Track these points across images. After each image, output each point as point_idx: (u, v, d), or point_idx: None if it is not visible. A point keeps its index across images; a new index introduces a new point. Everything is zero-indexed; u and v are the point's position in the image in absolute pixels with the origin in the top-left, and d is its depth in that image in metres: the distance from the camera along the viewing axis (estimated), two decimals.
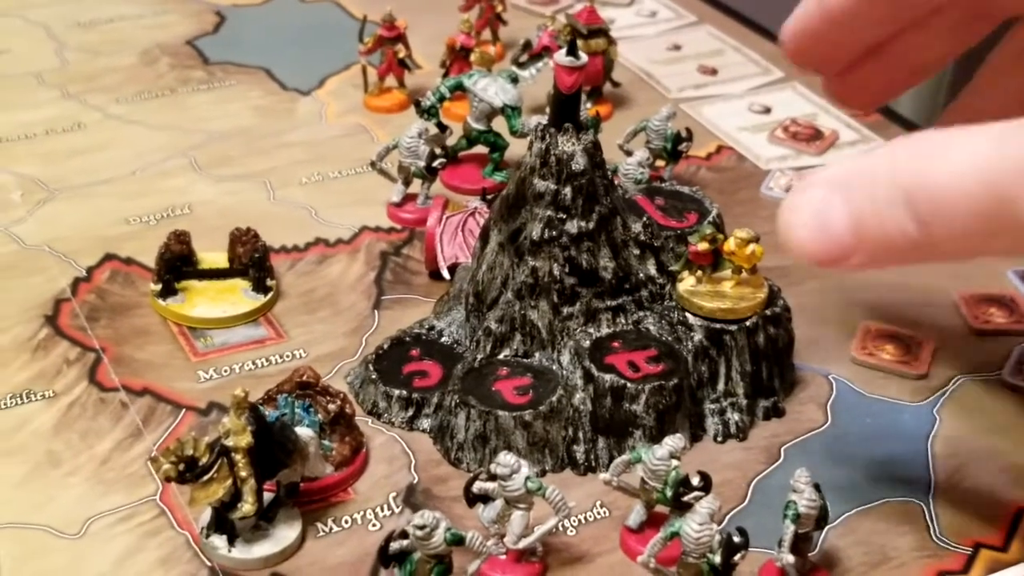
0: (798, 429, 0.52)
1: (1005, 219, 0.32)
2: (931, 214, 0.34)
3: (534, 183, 0.51)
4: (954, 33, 0.47)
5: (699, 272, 0.52)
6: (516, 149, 0.66)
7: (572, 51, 0.51)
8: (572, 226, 0.51)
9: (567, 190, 0.50)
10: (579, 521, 0.47)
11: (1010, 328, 0.59)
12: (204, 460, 0.42)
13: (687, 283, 0.52)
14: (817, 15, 0.46)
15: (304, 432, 0.46)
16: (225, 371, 0.54)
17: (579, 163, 0.50)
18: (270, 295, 0.58)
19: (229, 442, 0.42)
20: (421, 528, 0.40)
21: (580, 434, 0.49)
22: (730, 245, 0.51)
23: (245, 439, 0.42)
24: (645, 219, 0.54)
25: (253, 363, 0.55)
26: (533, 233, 0.51)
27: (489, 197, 0.62)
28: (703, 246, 0.51)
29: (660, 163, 0.67)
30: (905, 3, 0.46)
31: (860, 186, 0.36)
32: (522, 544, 0.43)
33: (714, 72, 0.84)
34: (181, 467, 0.42)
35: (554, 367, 0.51)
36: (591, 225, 0.51)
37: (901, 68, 0.48)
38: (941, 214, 0.33)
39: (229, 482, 0.43)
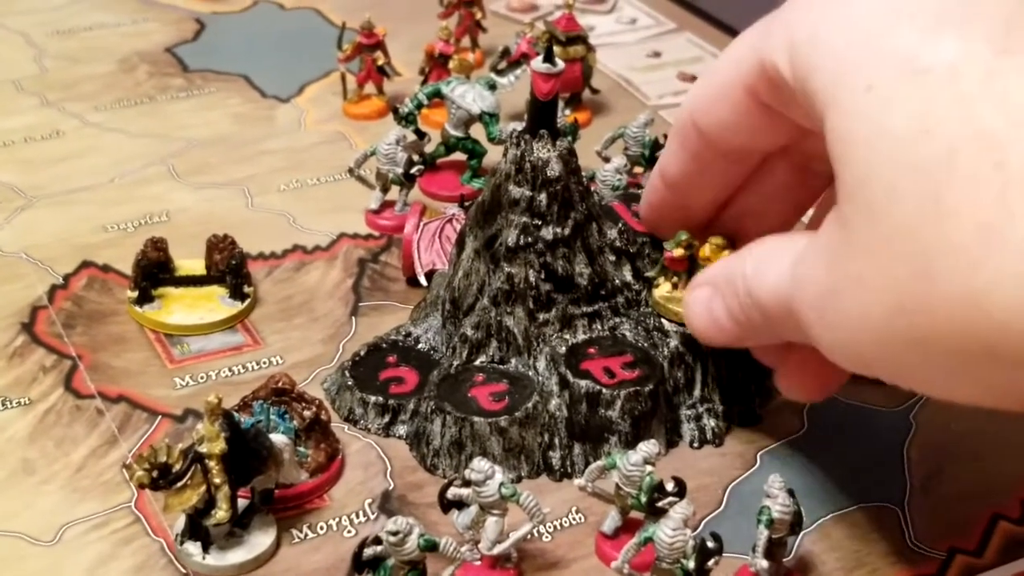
0: (775, 435, 0.52)
1: (793, 324, 0.39)
2: (763, 314, 0.42)
3: (509, 189, 0.51)
4: (791, 192, 0.49)
5: (675, 278, 0.52)
6: (494, 156, 0.66)
7: (549, 58, 0.51)
8: (548, 232, 0.51)
9: (542, 196, 0.51)
10: (554, 527, 0.47)
11: None
12: (178, 467, 0.42)
13: (663, 289, 0.53)
14: (661, 187, 0.51)
15: (279, 439, 0.45)
16: (201, 378, 0.54)
17: (554, 169, 0.50)
18: (247, 302, 0.58)
19: (203, 449, 0.42)
20: (394, 534, 0.40)
21: (556, 440, 0.49)
22: (705, 251, 0.51)
23: (219, 446, 0.42)
24: (621, 225, 0.54)
25: (230, 370, 0.55)
26: (509, 239, 0.51)
27: (467, 204, 0.62)
28: (679, 252, 0.51)
29: (638, 170, 0.67)
30: (733, 161, 0.48)
31: (728, 287, 0.44)
32: (496, 550, 0.43)
33: (693, 79, 0.84)
34: (155, 474, 0.42)
35: (530, 373, 0.51)
36: (567, 231, 0.51)
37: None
38: (769, 315, 0.41)
39: (203, 489, 0.43)
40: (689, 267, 0.52)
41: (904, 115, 0.34)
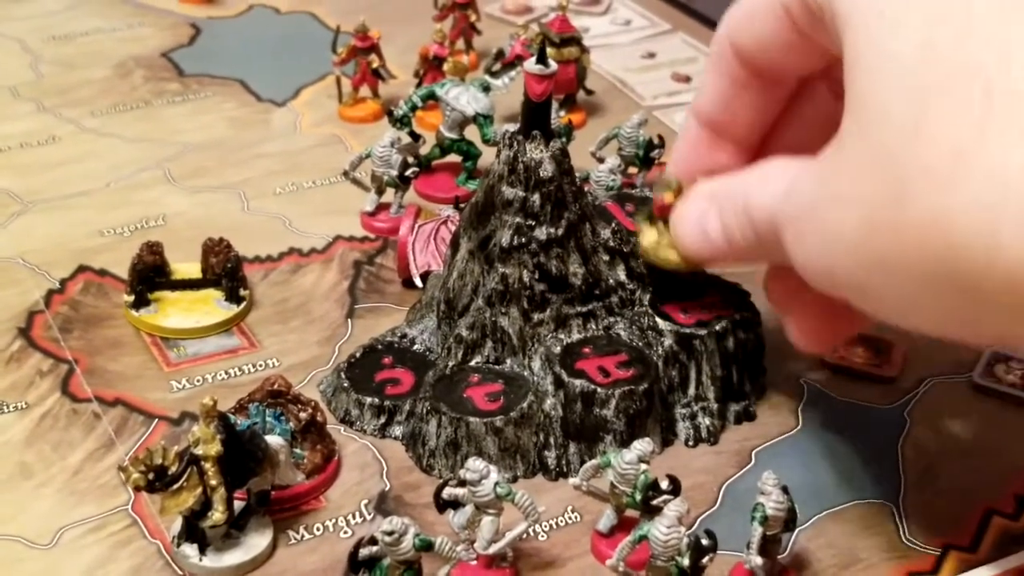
0: (769, 433, 0.53)
1: (777, 244, 0.40)
2: (756, 231, 0.42)
3: (503, 190, 0.51)
4: (830, 123, 0.48)
5: (660, 224, 0.50)
6: (489, 158, 0.66)
7: (542, 59, 0.51)
8: (541, 233, 0.51)
9: (535, 197, 0.51)
10: (550, 526, 0.47)
11: None
12: (173, 469, 0.42)
13: (649, 236, 0.50)
14: (695, 128, 0.49)
15: (275, 440, 0.46)
16: (198, 381, 0.54)
17: (547, 170, 0.51)
18: (243, 305, 0.58)
19: (199, 451, 0.42)
20: (390, 534, 0.40)
21: (551, 440, 0.49)
22: None
23: (214, 447, 0.42)
24: (614, 225, 0.54)
25: (226, 373, 0.55)
26: (503, 240, 0.51)
27: (462, 206, 0.62)
28: (669, 197, 0.50)
29: (632, 170, 0.67)
30: (769, 84, 0.47)
31: (728, 201, 0.44)
32: (492, 549, 0.43)
33: (687, 79, 0.84)
34: (150, 476, 0.42)
35: (525, 373, 0.51)
36: (560, 231, 0.51)
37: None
38: (759, 232, 0.42)
39: (199, 491, 0.43)
40: None
41: (908, 41, 0.35)
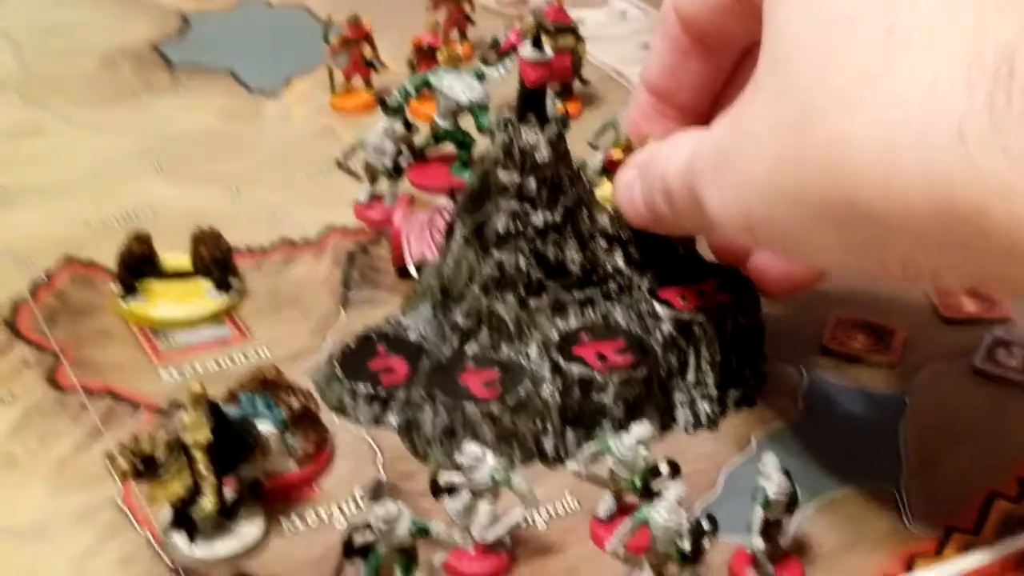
0: (769, 418, 0.52)
1: (694, 205, 0.42)
2: (673, 201, 0.44)
3: (498, 175, 0.50)
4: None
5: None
6: (483, 147, 0.66)
7: (537, 45, 0.50)
8: (538, 218, 0.50)
9: (531, 181, 0.50)
10: (548, 513, 0.46)
11: (981, 316, 0.58)
12: (162, 457, 0.41)
13: (605, 189, 0.53)
14: (644, 95, 0.51)
15: (266, 427, 0.45)
16: (188, 371, 0.53)
17: (543, 154, 0.50)
18: (234, 295, 0.57)
19: (187, 438, 0.42)
20: (385, 520, 0.39)
21: (549, 426, 0.49)
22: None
23: (203, 434, 0.41)
24: (612, 210, 0.53)
25: (217, 363, 0.54)
26: (498, 226, 0.50)
27: (456, 196, 0.61)
28: (618, 154, 0.52)
29: None
30: (713, 51, 0.48)
31: (647, 171, 0.46)
32: (489, 536, 0.42)
33: None
34: (138, 464, 0.41)
35: (522, 360, 0.50)
36: (557, 217, 0.51)
37: None
38: (677, 201, 0.44)
39: (189, 479, 0.42)
40: None
41: None
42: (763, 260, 0.49)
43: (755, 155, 0.37)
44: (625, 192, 0.48)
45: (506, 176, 0.50)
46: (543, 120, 0.51)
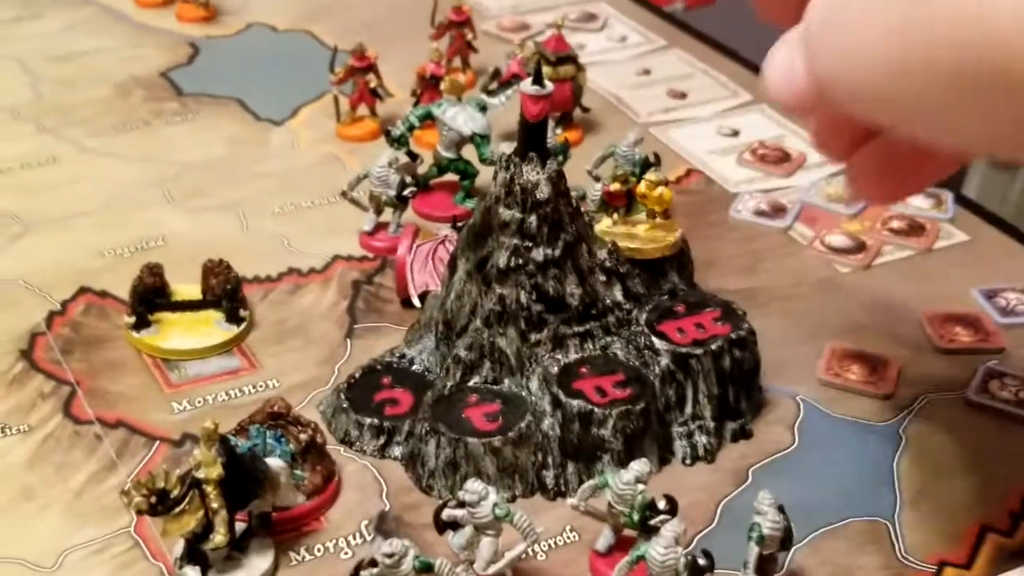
0: (766, 450, 0.53)
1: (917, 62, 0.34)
2: (842, 69, 0.36)
3: (499, 212, 0.52)
4: None
5: (614, 213, 0.54)
6: (486, 176, 0.67)
7: (538, 80, 0.51)
8: (538, 254, 0.51)
9: (532, 218, 0.51)
10: (549, 546, 0.47)
11: (975, 347, 0.59)
12: (175, 492, 0.43)
13: (604, 223, 0.56)
14: None
15: (275, 462, 0.46)
16: (199, 402, 0.55)
17: (543, 192, 0.51)
18: (243, 325, 0.59)
19: (200, 474, 0.43)
20: (390, 556, 0.41)
21: (549, 459, 0.50)
22: (641, 188, 0.53)
23: (216, 471, 0.43)
24: (610, 245, 0.54)
25: (227, 394, 0.55)
26: (500, 261, 0.52)
27: (460, 225, 0.62)
28: (615, 186, 0.54)
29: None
30: None
31: (797, 41, 0.38)
32: (491, 570, 0.44)
33: (683, 96, 0.85)
34: (152, 500, 0.42)
35: (523, 393, 0.51)
36: (557, 252, 0.52)
37: None
38: (851, 64, 0.36)
39: (201, 513, 0.43)
40: (628, 202, 0.55)
41: None
42: (870, 169, 0.43)
43: (870, 21, 0.33)
44: (783, 71, 0.40)
45: (507, 213, 0.52)
46: (544, 157, 0.52)
